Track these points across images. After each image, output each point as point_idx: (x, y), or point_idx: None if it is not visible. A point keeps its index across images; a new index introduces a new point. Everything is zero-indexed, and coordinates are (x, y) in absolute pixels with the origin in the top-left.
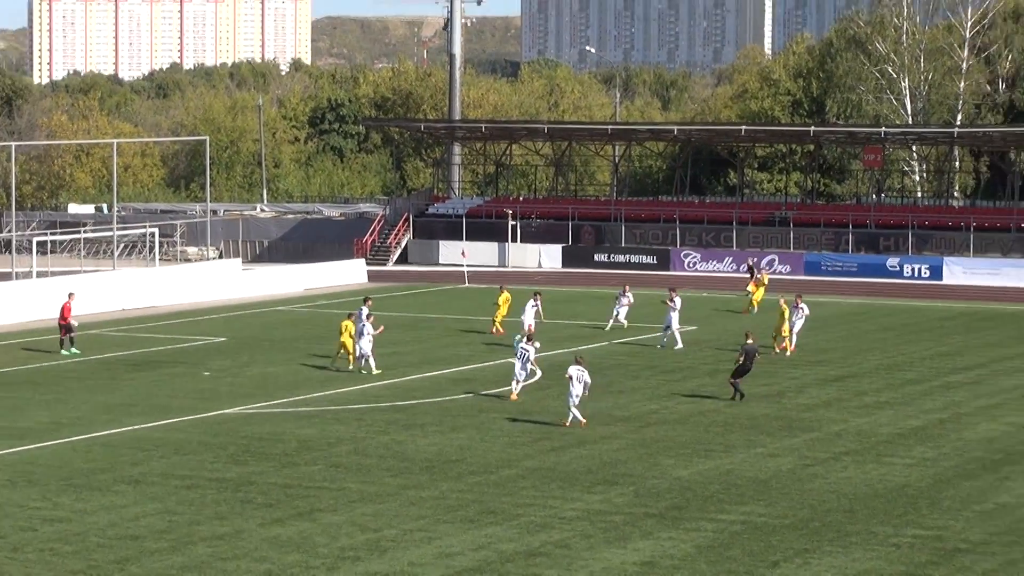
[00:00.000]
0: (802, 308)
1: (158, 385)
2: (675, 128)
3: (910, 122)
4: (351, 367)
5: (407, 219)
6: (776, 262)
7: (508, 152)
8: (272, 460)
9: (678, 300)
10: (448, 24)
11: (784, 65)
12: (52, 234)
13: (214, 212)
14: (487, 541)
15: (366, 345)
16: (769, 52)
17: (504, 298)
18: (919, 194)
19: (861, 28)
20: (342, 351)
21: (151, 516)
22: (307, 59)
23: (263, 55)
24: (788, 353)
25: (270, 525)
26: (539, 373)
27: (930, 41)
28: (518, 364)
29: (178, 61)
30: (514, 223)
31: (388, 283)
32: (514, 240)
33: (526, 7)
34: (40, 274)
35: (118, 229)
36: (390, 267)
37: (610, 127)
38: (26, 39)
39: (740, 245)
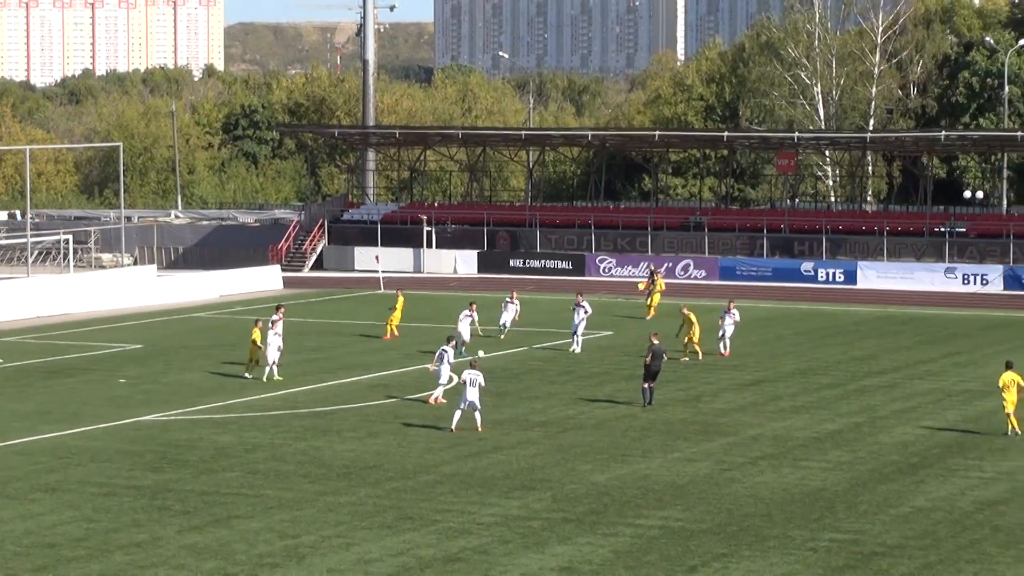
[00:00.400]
0: (733, 313)
1: (73, 392)
2: (589, 133)
3: (823, 127)
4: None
5: (322, 225)
6: (691, 267)
7: (422, 158)
8: (189, 467)
9: (587, 304)
10: (361, 30)
11: (697, 70)
12: None
13: (128, 219)
14: (405, 547)
15: (272, 353)
16: (682, 57)
17: (400, 302)
18: (833, 199)
19: (774, 33)
20: (253, 359)
21: (68, 524)
22: (220, 65)
23: (176, 61)
24: (720, 358)
25: (188, 532)
26: (456, 379)
27: (842, 47)
28: (441, 366)
29: (91, 67)
30: (429, 229)
31: (303, 289)
32: (429, 246)
33: (439, 13)
34: None
35: (32, 236)
36: (305, 273)
37: (524, 132)
38: None
39: (655, 250)
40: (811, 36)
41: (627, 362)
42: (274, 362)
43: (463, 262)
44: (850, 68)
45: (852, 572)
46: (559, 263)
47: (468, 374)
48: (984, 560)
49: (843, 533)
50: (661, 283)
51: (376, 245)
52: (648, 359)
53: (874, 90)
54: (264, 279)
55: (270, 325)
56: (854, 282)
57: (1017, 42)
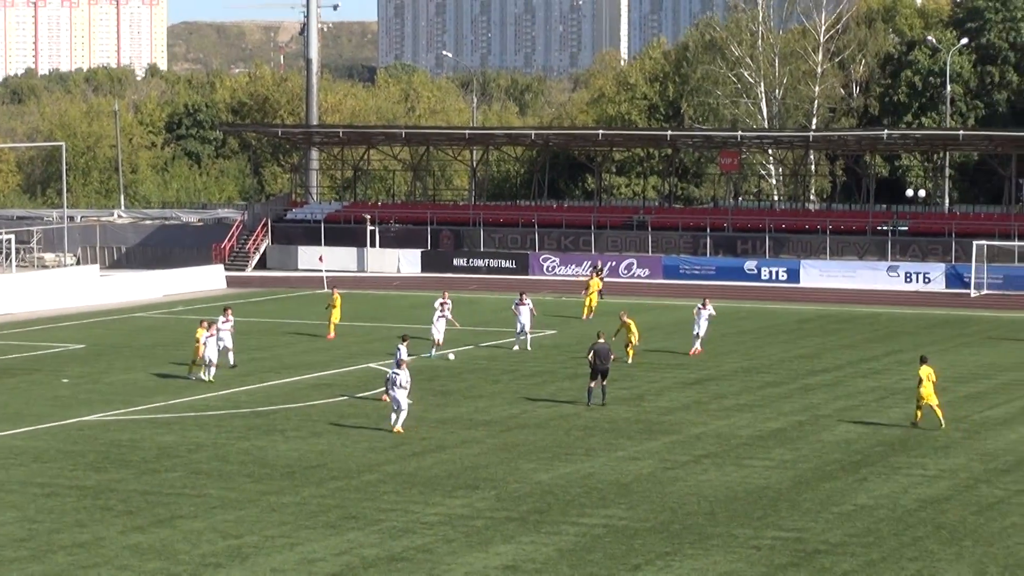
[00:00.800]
0: (709, 309)
1: (15, 393)
2: (533, 133)
3: (766, 126)
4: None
5: (265, 224)
6: (634, 266)
7: (366, 157)
8: (132, 467)
9: (530, 302)
10: (305, 29)
11: (641, 69)
12: None
13: (71, 218)
14: (349, 547)
15: (211, 353)
16: (625, 56)
17: (337, 300)
18: (776, 197)
19: (717, 32)
20: (198, 359)
21: (10, 524)
22: (163, 64)
23: (119, 60)
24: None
25: (131, 532)
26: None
27: (785, 45)
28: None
29: (33, 66)
30: (373, 228)
31: (247, 288)
32: (373, 245)
33: (383, 12)
34: None
35: None
36: (249, 273)
37: (468, 132)
38: None
39: (598, 249)
40: (754, 35)
41: (570, 361)
42: (211, 363)
43: (406, 261)
44: (793, 67)
45: (795, 570)
46: (502, 262)
47: (392, 374)
48: (926, 558)
49: (786, 531)
50: (596, 282)
51: (320, 244)
52: (590, 357)
53: (817, 89)
54: (207, 279)
55: (218, 326)
56: (797, 280)
57: (959, 41)
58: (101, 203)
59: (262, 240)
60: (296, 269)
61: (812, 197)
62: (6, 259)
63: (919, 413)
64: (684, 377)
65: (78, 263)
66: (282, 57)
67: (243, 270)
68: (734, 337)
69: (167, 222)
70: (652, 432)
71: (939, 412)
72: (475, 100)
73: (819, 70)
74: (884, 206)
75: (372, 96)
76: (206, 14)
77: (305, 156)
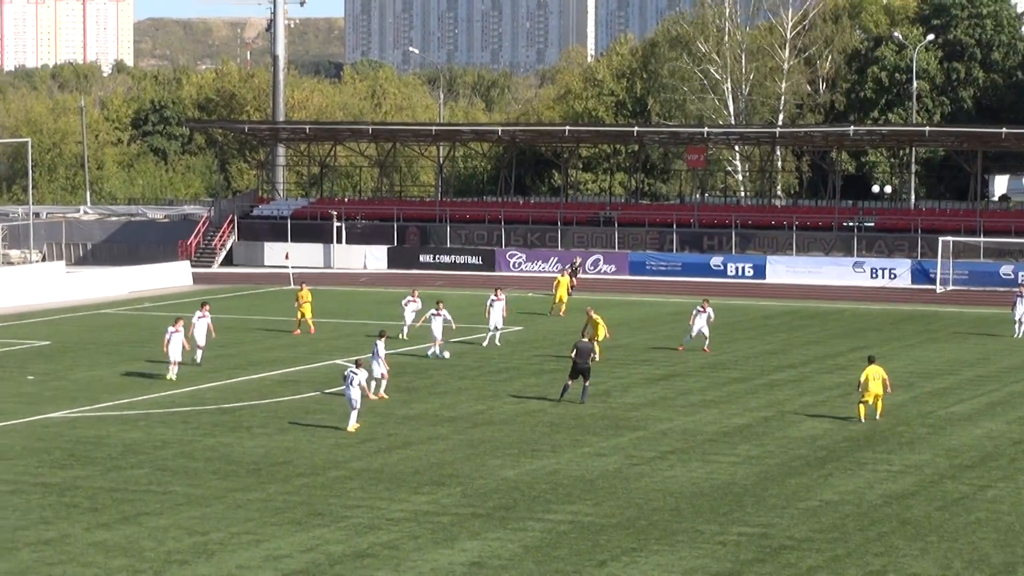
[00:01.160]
0: (708, 312)
1: None
2: (499, 129)
3: (733, 122)
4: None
5: (232, 221)
6: (601, 262)
7: (332, 153)
8: (97, 464)
9: (504, 297)
10: (271, 25)
11: (608, 66)
12: None
13: (36, 215)
14: (315, 543)
15: (175, 351)
16: (592, 53)
17: (305, 296)
18: (742, 193)
19: (684, 28)
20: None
21: None
22: (130, 61)
23: (85, 57)
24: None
25: (96, 529)
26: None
27: (752, 42)
28: (374, 361)
29: None
30: (339, 224)
31: (213, 285)
32: (339, 241)
33: (349, 8)
34: None
35: None
36: (215, 269)
37: (434, 128)
38: None
39: (565, 245)
40: (721, 31)
41: (536, 357)
42: (177, 361)
43: (373, 257)
44: (760, 63)
45: (761, 566)
46: (469, 258)
47: (348, 372)
48: (892, 553)
49: (752, 527)
50: (565, 280)
51: (286, 241)
52: (574, 355)
53: (783, 85)
54: (173, 275)
55: (193, 321)
56: (763, 276)
57: (925, 38)
58: (67, 200)
59: (228, 236)
60: (262, 265)
61: (778, 193)
62: None
63: (863, 410)
64: (650, 373)
65: (44, 260)
66: (249, 53)
67: (209, 266)
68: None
69: (133, 218)
70: (618, 428)
71: (881, 405)
72: (442, 96)
73: (786, 66)
74: (850, 202)
75: (339, 92)
76: (172, 10)
77: (272, 152)
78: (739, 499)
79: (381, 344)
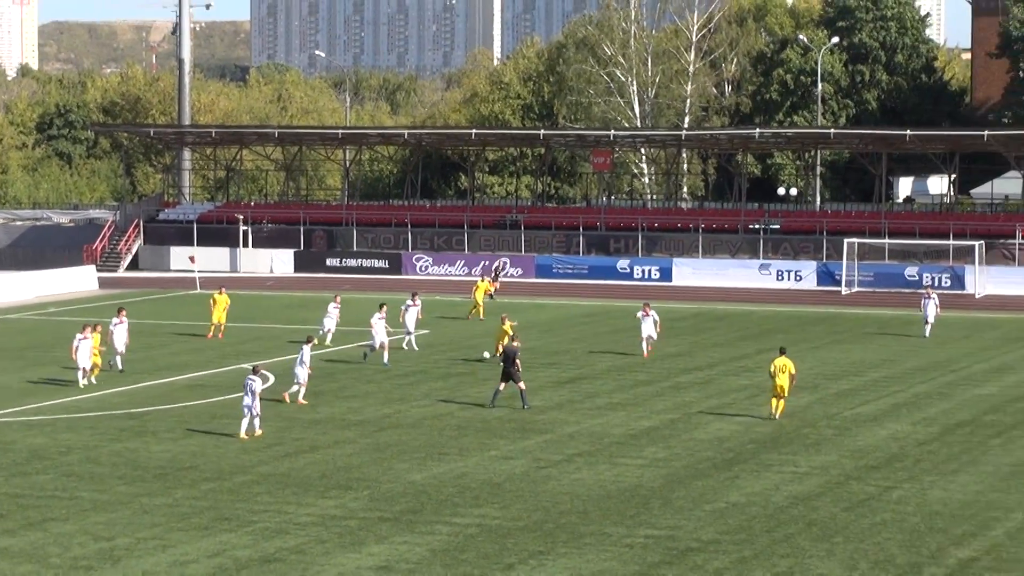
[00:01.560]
0: (651, 315)
1: None
2: (406, 132)
3: (639, 125)
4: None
5: (137, 225)
6: (507, 265)
7: (238, 157)
8: (2, 470)
9: (419, 302)
10: (177, 28)
11: (514, 69)
12: None
13: None
14: (222, 548)
15: (84, 359)
16: (498, 56)
17: (220, 299)
18: (648, 196)
19: (590, 31)
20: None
21: None
22: (35, 64)
23: None
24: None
25: (0, 536)
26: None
27: (657, 44)
28: (297, 367)
29: None
30: (245, 228)
31: (119, 289)
32: (245, 245)
33: (255, 11)
34: None
35: None
36: (121, 273)
37: (340, 131)
38: None
39: (471, 249)
40: (626, 34)
41: (444, 361)
42: (84, 368)
43: (279, 261)
44: (665, 66)
45: (668, 568)
46: (376, 262)
47: (247, 379)
48: (798, 554)
49: (659, 529)
50: (484, 285)
51: (192, 245)
52: (500, 358)
53: (689, 88)
54: (79, 280)
55: (111, 328)
56: (670, 279)
57: (830, 40)
58: None
59: (134, 241)
60: (168, 270)
61: (685, 196)
62: None
63: (781, 406)
64: (557, 376)
65: None
66: (154, 57)
67: (115, 271)
68: (607, 336)
69: (38, 223)
70: (525, 431)
71: (782, 405)
72: (348, 100)
73: (691, 69)
74: (756, 204)
75: (245, 96)
76: (77, 13)
77: (177, 156)
78: (646, 501)
79: (307, 349)
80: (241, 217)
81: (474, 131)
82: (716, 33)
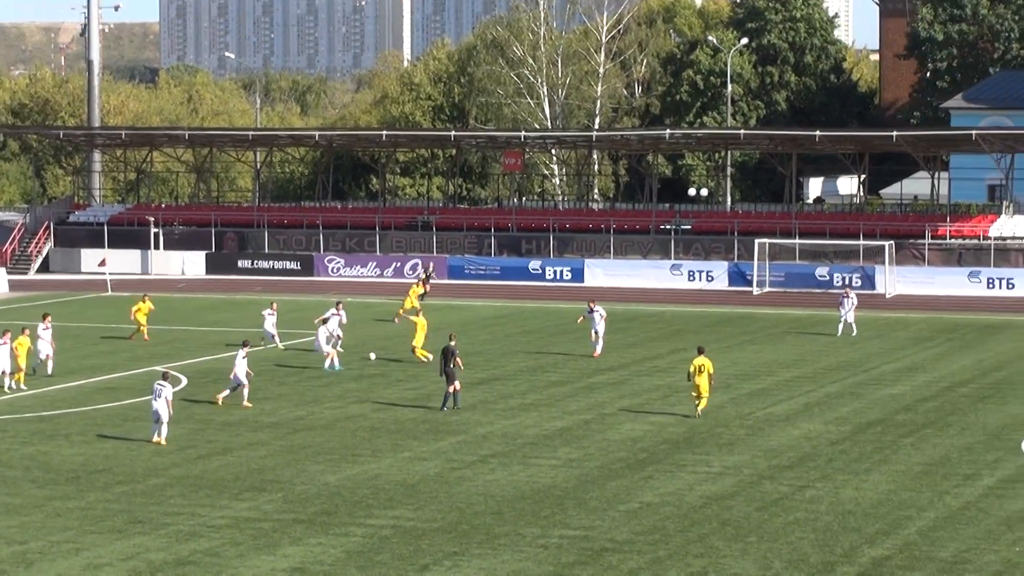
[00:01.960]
0: (598, 311)
1: None
2: (317, 134)
3: (549, 126)
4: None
5: (48, 227)
6: (419, 266)
7: (149, 159)
8: None
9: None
10: (86, 30)
11: (425, 70)
12: None
13: None
14: (136, 551)
15: (3, 362)
16: (409, 57)
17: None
18: (560, 197)
19: (499, 32)
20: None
21: None
22: None
23: None
24: (595, 356)
25: None
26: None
27: (567, 46)
28: (236, 369)
29: None
30: (156, 230)
31: (30, 292)
32: (157, 247)
33: (164, 13)
34: None
35: None
36: (31, 276)
37: (251, 133)
38: None
39: (383, 250)
40: (536, 35)
41: (357, 363)
42: (4, 373)
43: (191, 263)
44: (576, 67)
45: (583, 568)
46: (287, 263)
47: (156, 385)
48: (712, 554)
49: (573, 529)
50: (417, 288)
51: (103, 247)
52: (440, 360)
53: (600, 89)
54: None
55: (39, 333)
56: (581, 280)
57: (740, 41)
58: None
59: (44, 243)
60: (79, 272)
61: (596, 197)
62: None
63: (703, 403)
64: (470, 377)
65: None
66: (63, 58)
67: (25, 273)
68: (519, 337)
69: None
70: (439, 432)
71: (703, 403)
72: (258, 101)
73: (601, 70)
74: (667, 205)
75: (155, 98)
76: None
77: (87, 158)
78: (560, 502)
79: (242, 352)
80: (152, 219)
81: (385, 132)
82: (626, 34)
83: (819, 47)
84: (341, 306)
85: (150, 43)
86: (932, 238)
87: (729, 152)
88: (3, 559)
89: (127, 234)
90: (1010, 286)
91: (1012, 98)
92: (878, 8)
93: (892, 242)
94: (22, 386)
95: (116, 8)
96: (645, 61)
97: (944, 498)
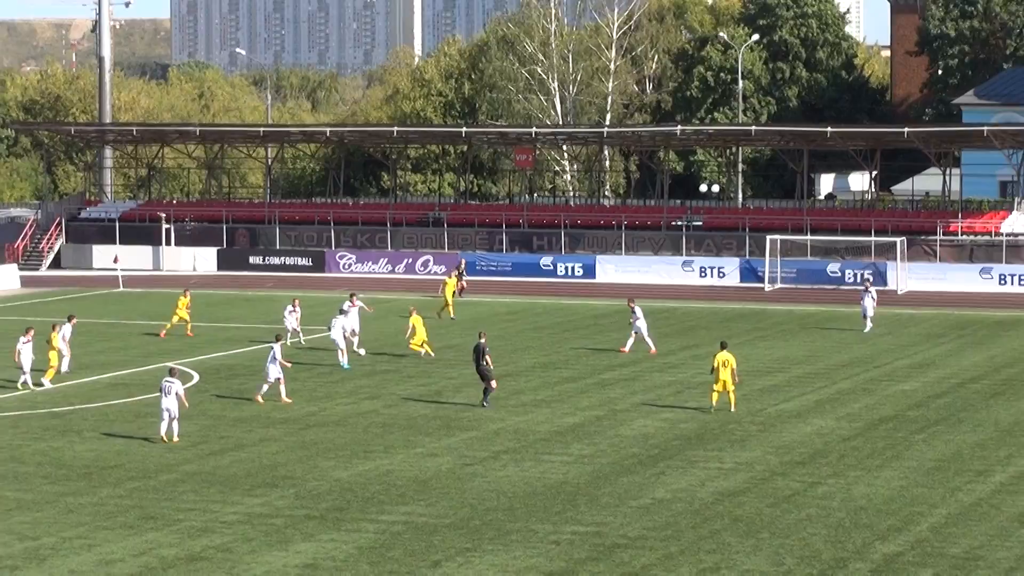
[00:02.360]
0: (635, 311)
1: None
2: (328, 130)
3: (560, 122)
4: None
5: (59, 223)
6: (431, 262)
7: (160, 155)
8: None
9: (360, 304)
10: (96, 26)
11: (436, 66)
12: None
13: None
14: (148, 547)
15: (26, 361)
16: (419, 53)
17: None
18: (571, 193)
19: (510, 29)
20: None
21: None
22: None
23: None
24: (641, 353)
25: None
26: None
27: (578, 42)
28: (269, 365)
29: None
30: (168, 227)
31: (42, 288)
32: (168, 244)
33: (175, 9)
34: None
35: None
36: (43, 272)
37: (262, 129)
38: None
39: (395, 246)
40: (547, 31)
41: (369, 358)
42: (25, 370)
43: (202, 260)
44: (587, 63)
45: (595, 564)
46: (299, 260)
47: (164, 382)
48: (724, 550)
49: (585, 526)
50: (452, 283)
51: (115, 243)
52: (473, 357)
53: (611, 85)
54: (0, 279)
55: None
56: (593, 276)
57: (751, 37)
58: None
59: (56, 239)
60: (91, 268)
61: (607, 193)
62: None
63: (715, 397)
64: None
65: None
66: (74, 55)
67: (37, 270)
68: (531, 333)
69: None
70: (450, 428)
71: (732, 398)
72: (269, 98)
73: (612, 66)
74: (678, 201)
75: (166, 94)
76: None
77: (99, 155)
78: (572, 498)
79: (278, 348)
80: (163, 215)
81: (396, 128)
82: (637, 31)
83: (830, 43)
84: (356, 298)
85: (161, 39)
86: (944, 234)
87: (740, 148)
88: (15, 555)
89: (139, 230)
90: (1022, 282)
91: None
92: (889, 4)
93: (904, 238)
94: (48, 383)
95: (127, 4)
96: (656, 57)
97: (956, 494)
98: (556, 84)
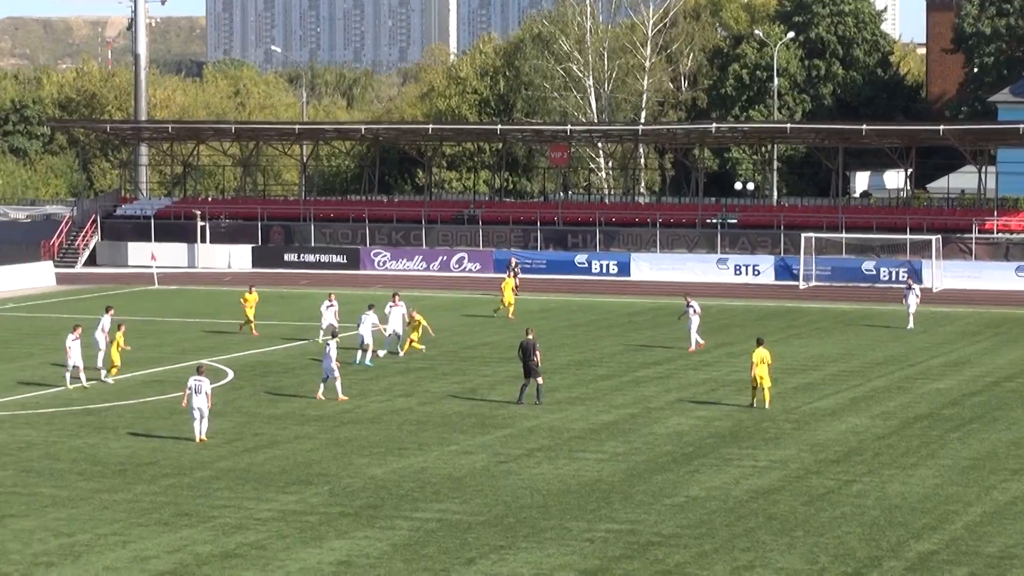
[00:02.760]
0: (693, 306)
1: None
2: (363, 127)
3: (595, 120)
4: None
5: (95, 221)
6: (465, 260)
7: (195, 152)
8: None
9: (403, 304)
10: (132, 24)
11: (471, 64)
12: None
13: None
14: (182, 544)
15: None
16: (454, 51)
17: (251, 298)
18: (606, 191)
19: (546, 27)
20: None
21: None
22: None
23: None
24: (693, 350)
25: None
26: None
27: (614, 40)
28: (329, 363)
29: None
30: (203, 224)
31: (77, 285)
32: (203, 241)
33: (211, 7)
34: None
35: None
36: (78, 269)
37: (297, 127)
38: None
39: (429, 243)
40: (582, 29)
41: (400, 357)
42: (76, 367)
43: (237, 257)
44: (622, 61)
45: (628, 562)
46: (334, 257)
47: (193, 380)
48: (758, 548)
49: (619, 523)
50: (511, 280)
51: (150, 240)
52: (520, 355)
53: (646, 82)
54: (36, 276)
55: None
56: (628, 274)
57: (786, 35)
58: None
59: (91, 236)
60: (126, 265)
61: (642, 190)
62: None
63: (755, 393)
64: (516, 371)
65: None
66: (110, 52)
67: (72, 267)
68: (565, 331)
69: None
70: (485, 426)
71: (767, 394)
72: (304, 95)
73: (647, 64)
74: (713, 199)
75: (201, 91)
76: (32, 9)
77: (134, 152)
78: (606, 496)
79: (333, 344)
80: (199, 213)
81: (431, 126)
82: (672, 28)
83: (868, 40)
84: (398, 297)
85: (196, 37)
86: (979, 232)
87: (775, 146)
88: (51, 551)
89: (174, 227)
90: None
91: None
92: (925, 2)
93: (939, 236)
94: (110, 379)
95: (163, 2)
96: (691, 55)
97: (991, 493)
98: (591, 81)
